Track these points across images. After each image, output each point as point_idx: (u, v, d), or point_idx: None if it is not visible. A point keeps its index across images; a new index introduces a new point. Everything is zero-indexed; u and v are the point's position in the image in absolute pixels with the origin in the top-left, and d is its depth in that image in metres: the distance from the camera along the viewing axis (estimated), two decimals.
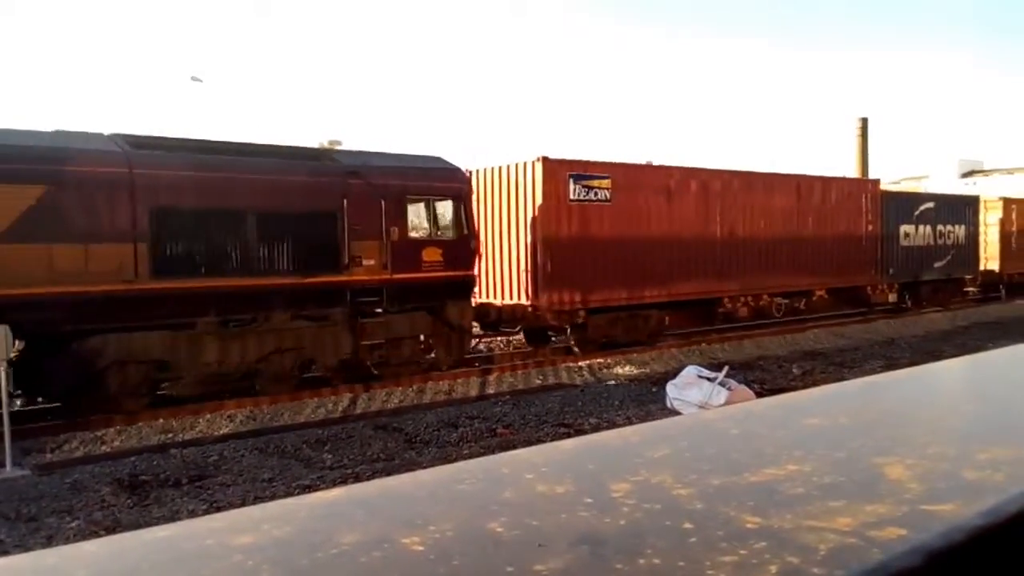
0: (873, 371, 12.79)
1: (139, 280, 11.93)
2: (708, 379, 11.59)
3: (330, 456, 9.96)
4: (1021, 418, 1.28)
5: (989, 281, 29.83)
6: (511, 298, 17.35)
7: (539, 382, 15.01)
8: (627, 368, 16.06)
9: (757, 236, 20.74)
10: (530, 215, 17.02)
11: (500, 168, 17.66)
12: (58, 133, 12.04)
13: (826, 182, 23.62)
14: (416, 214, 15.28)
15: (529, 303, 17.03)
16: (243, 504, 7.50)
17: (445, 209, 15.64)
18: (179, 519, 5.87)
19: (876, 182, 26.60)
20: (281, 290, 13.30)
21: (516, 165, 17.33)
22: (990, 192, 34.13)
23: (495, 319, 17.97)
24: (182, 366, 12.50)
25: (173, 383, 12.73)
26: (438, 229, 15.54)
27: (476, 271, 16.27)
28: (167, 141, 13.20)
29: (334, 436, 10.83)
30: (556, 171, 17.05)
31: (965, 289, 29.27)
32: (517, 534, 0.76)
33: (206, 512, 7.23)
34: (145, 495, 8.57)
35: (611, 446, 1.14)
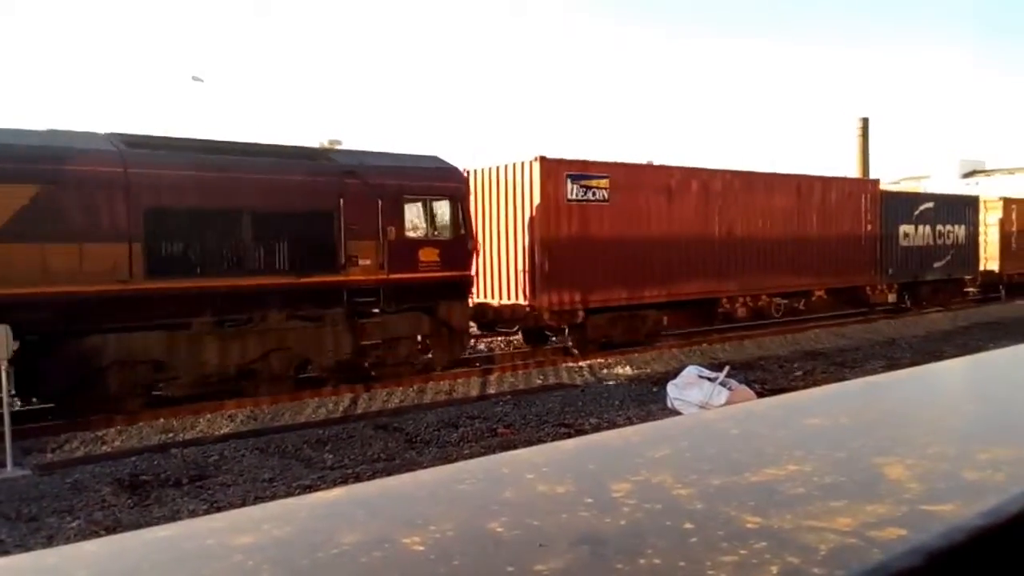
0: (874, 371, 12.79)
1: (134, 280, 11.87)
2: (709, 379, 11.58)
3: (331, 456, 9.96)
4: (1022, 418, 1.28)
5: (989, 281, 29.79)
6: (509, 298, 17.32)
7: (540, 382, 15.00)
8: (627, 368, 16.05)
9: (756, 236, 20.70)
10: (528, 215, 16.99)
11: (498, 168, 17.63)
12: (53, 132, 11.99)
13: (825, 182, 23.57)
14: (413, 214, 15.24)
15: (527, 303, 17.00)
16: (244, 504, 7.51)
17: (442, 209, 15.60)
18: (180, 519, 5.87)
19: (876, 182, 26.58)
20: (277, 290, 13.25)
21: (514, 165, 17.30)
22: (992, 192, 34.10)
23: (493, 319, 17.96)
24: (178, 366, 12.45)
25: (169, 383, 12.68)
26: (435, 229, 15.50)
27: (473, 271, 16.24)
28: (162, 140, 13.16)
29: (335, 436, 10.83)
30: (554, 171, 17.02)
31: (965, 289, 29.24)
32: (518, 534, 0.76)
33: (207, 512, 7.23)
34: (146, 495, 8.57)
35: (612, 446, 1.14)
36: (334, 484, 8.37)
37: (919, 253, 26.01)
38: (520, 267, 17.08)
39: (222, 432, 11.37)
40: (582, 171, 17.55)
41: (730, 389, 11.32)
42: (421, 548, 0.73)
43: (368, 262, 14.15)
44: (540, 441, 9.65)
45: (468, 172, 17.44)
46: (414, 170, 15.11)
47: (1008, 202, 30.63)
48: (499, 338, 19.69)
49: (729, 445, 1.10)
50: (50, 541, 7.07)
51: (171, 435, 11.25)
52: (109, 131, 12.65)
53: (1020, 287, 30.09)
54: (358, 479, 8.47)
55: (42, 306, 10.88)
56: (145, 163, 12.14)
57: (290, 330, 13.54)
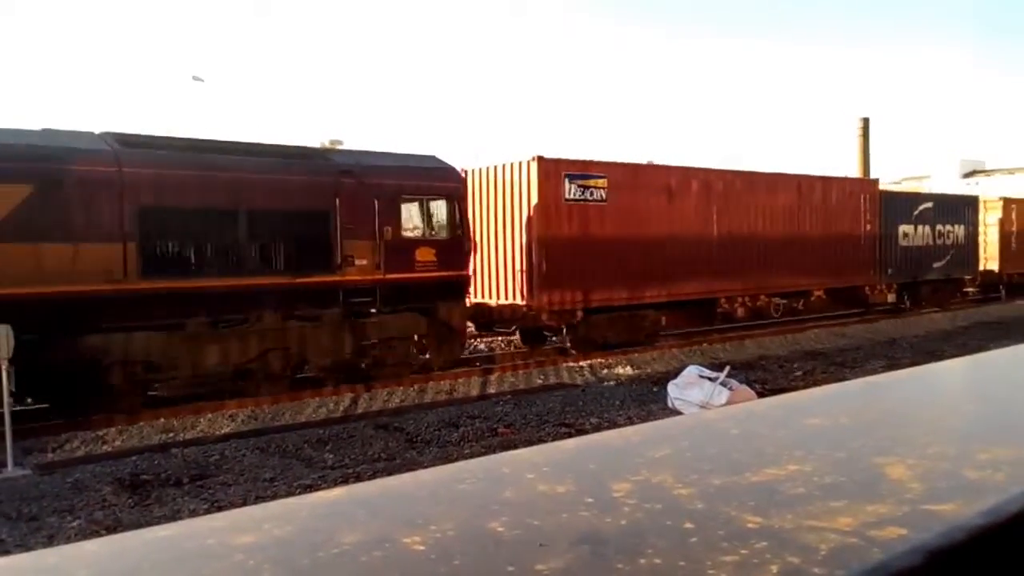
0: (874, 371, 12.79)
1: (128, 280, 11.81)
2: (709, 379, 11.58)
3: (331, 456, 9.96)
4: (1022, 418, 1.28)
5: (988, 281, 29.77)
6: (506, 298, 17.29)
7: (540, 382, 15.00)
8: (628, 368, 16.05)
9: (754, 236, 20.67)
10: (525, 215, 16.95)
11: (495, 167, 17.59)
12: (46, 132, 11.94)
13: (824, 182, 23.53)
14: (410, 214, 15.19)
15: (524, 303, 16.96)
16: (244, 504, 7.51)
17: (439, 209, 15.54)
18: (180, 518, 5.87)
19: (875, 182, 26.55)
20: (273, 290, 13.19)
21: (511, 164, 17.27)
22: (992, 192, 34.09)
23: (490, 319, 17.92)
24: (173, 367, 12.41)
25: (164, 384, 12.64)
26: (432, 229, 15.44)
27: (470, 271, 16.20)
28: (157, 140, 13.09)
29: (335, 436, 10.83)
30: (551, 171, 16.98)
31: (964, 289, 29.22)
32: (518, 534, 0.76)
33: (207, 512, 7.23)
34: (146, 494, 8.57)
35: (612, 446, 1.14)
36: (335, 484, 8.38)
37: (918, 253, 25.99)
38: (518, 267, 17.05)
39: (223, 432, 11.37)
40: (580, 171, 17.52)
41: (731, 389, 11.32)
42: (422, 548, 0.73)
43: (364, 262, 14.10)
44: (540, 441, 9.65)
45: (465, 172, 17.39)
46: (411, 170, 15.06)
47: (1008, 202, 30.60)
48: (499, 338, 19.67)
49: (730, 445, 1.10)
50: (51, 541, 7.07)
51: (172, 435, 11.25)
52: (103, 130, 12.59)
53: (1020, 287, 30.06)
54: (359, 479, 8.48)
55: (36, 306, 10.80)
56: (139, 162, 12.09)
57: (286, 330, 13.48)
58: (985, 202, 29.97)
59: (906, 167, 54.15)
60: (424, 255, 14.90)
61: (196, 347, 12.56)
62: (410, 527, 0.77)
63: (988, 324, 22.45)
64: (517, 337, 19.25)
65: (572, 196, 17.27)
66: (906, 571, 0.67)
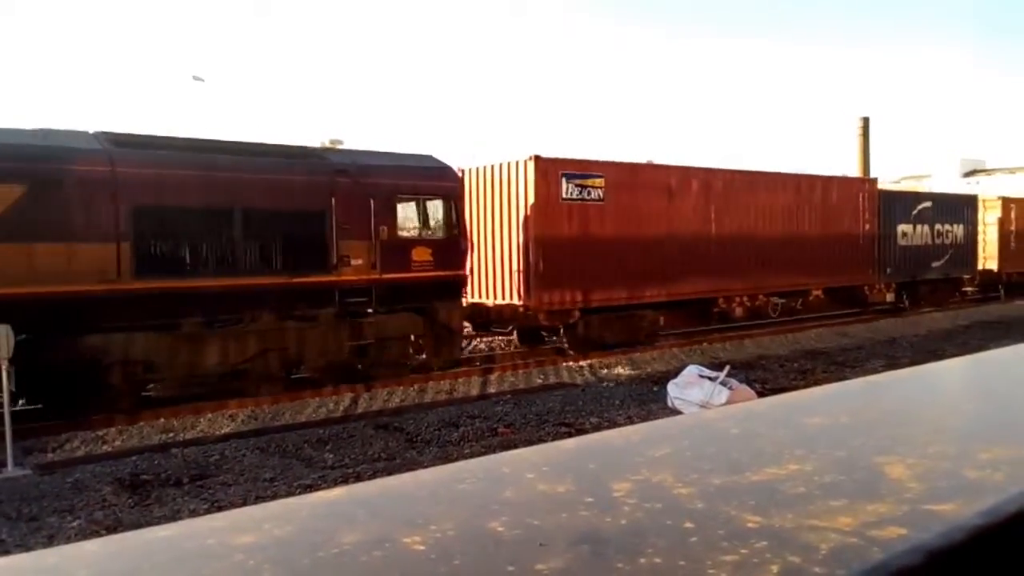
0: (874, 370, 12.79)
1: (121, 280, 11.76)
2: (709, 378, 11.58)
3: (331, 455, 9.96)
4: (1022, 418, 1.28)
5: (987, 281, 29.74)
6: (503, 298, 17.22)
7: (540, 381, 15.00)
8: (628, 367, 16.05)
9: (753, 236, 20.61)
10: (522, 214, 16.89)
11: (492, 167, 17.54)
12: (40, 131, 11.88)
13: (822, 181, 23.49)
14: (406, 213, 15.14)
15: (521, 303, 16.90)
16: (244, 503, 7.51)
17: (435, 208, 15.49)
18: (180, 518, 5.87)
19: (873, 181, 26.52)
20: (268, 290, 13.13)
21: (508, 164, 17.21)
22: (993, 191, 34.06)
23: (487, 319, 17.86)
24: (167, 367, 12.35)
25: (159, 384, 12.58)
26: (428, 228, 15.40)
27: (467, 271, 16.14)
28: (151, 139, 13.02)
29: (335, 435, 10.83)
30: (548, 170, 16.93)
31: (963, 289, 29.19)
32: (518, 533, 0.76)
33: (207, 512, 7.23)
34: (146, 494, 8.58)
35: (612, 445, 1.14)
36: (335, 484, 8.38)
37: (917, 252, 25.96)
38: (515, 267, 16.99)
39: (223, 432, 11.37)
40: (577, 170, 17.44)
41: (731, 388, 11.32)
42: (422, 548, 0.73)
43: (360, 262, 14.05)
44: (540, 440, 9.65)
45: (462, 171, 17.34)
46: (407, 169, 15.01)
47: (1007, 201, 30.54)
48: (498, 338, 19.64)
49: (730, 444, 1.10)
50: (51, 541, 7.08)
51: (172, 435, 11.25)
52: (97, 130, 12.51)
53: (1019, 286, 30.03)
54: (359, 479, 8.48)
55: (29, 306, 10.73)
56: (133, 162, 12.04)
57: (281, 330, 13.43)
58: (984, 201, 29.93)
59: (906, 166, 54.24)
60: (420, 255, 14.85)
61: (191, 347, 12.51)
62: (410, 527, 0.77)
63: (988, 323, 22.46)
64: (514, 337, 19.22)
65: (569, 196, 17.21)
66: (906, 571, 0.67)
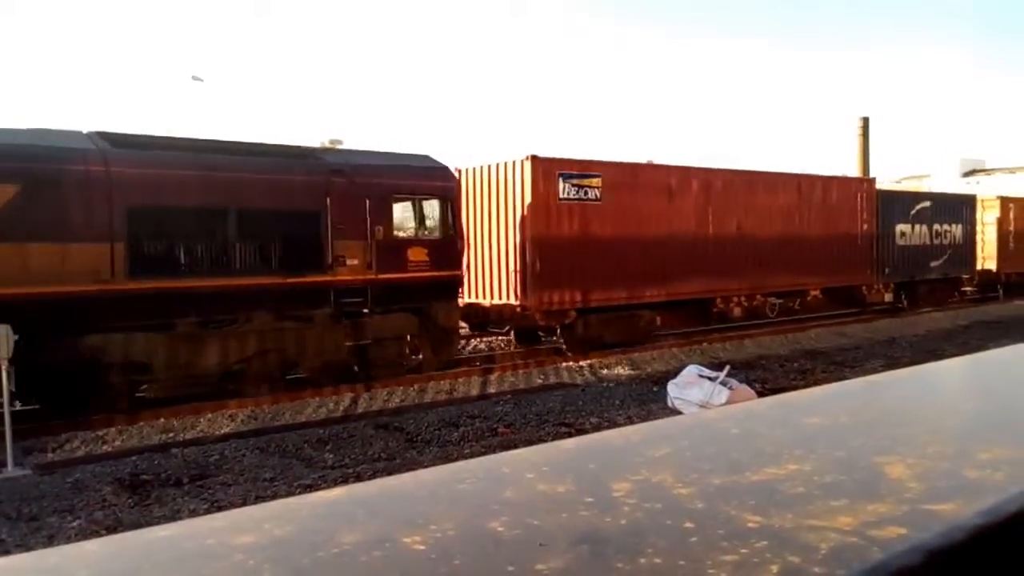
0: (874, 370, 12.79)
1: (115, 280, 11.71)
2: (709, 378, 11.58)
3: (331, 455, 9.96)
4: (1021, 417, 1.28)
5: (986, 281, 29.70)
6: (500, 298, 17.17)
7: (540, 381, 14.99)
8: (628, 368, 16.05)
9: (750, 235, 20.57)
10: (519, 214, 16.84)
11: (489, 167, 17.47)
12: (34, 131, 11.84)
13: (820, 181, 23.45)
14: (402, 213, 15.10)
15: (518, 303, 16.85)
16: (244, 503, 7.51)
17: (432, 208, 15.44)
18: (180, 518, 5.87)
19: (872, 181, 26.49)
20: (263, 290, 13.07)
21: (505, 164, 17.15)
22: (993, 191, 34.03)
23: (484, 319, 17.81)
24: (162, 368, 12.29)
25: (153, 385, 12.52)
26: (424, 229, 15.36)
27: (463, 271, 16.09)
28: (146, 139, 12.97)
29: (335, 435, 10.83)
30: (545, 170, 16.86)
31: (962, 289, 29.16)
32: (518, 533, 0.76)
33: (207, 511, 7.23)
34: (146, 494, 8.57)
35: (612, 445, 1.14)
36: (335, 484, 8.38)
37: (916, 252, 25.93)
38: (512, 267, 16.93)
39: (223, 432, 11.37)
40: (574, 170, 17.37)
41: (730, 388, 11.32)
42: (422, 547, 0.73)
43: (356, 262, 13.99)
44: (540, 440, 9.64)
45: (459, 171, 17.29)
46: (403, 169, 14.97)
47: (1006, 201, 30.49)
48: (497, 338, 19.61)
49: (729, 444, 1.10)
50: (51, 541, 7.07)
51: (172, 435, 11.25)
52: (91, 130, 12.46)
53: (1018, 286, 29.99)
54: (359, 478, 8.48)
55: (23, 307, 10.61)
56: (128, 162, 11.99)
57: (276, 331, 13.37)
58: (983, 201, 29.90)
59: (906, 166, 54.27)
60: (416, 255, 14.80)
61: (185, 348, 12.45)
62: (410, 527, 0.77)
63: (987, 323, 22.45)
64: (511, 337, 19.16)
65: (567, 195, 17.15)
66: (906, 570, 0.67)
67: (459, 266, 15.71)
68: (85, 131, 12.39)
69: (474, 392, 14.13)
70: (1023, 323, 22.47)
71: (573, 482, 0.92)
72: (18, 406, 11.76)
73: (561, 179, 17.08)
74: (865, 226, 24.14)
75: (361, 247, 14.05)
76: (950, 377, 1.77)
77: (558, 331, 17.63)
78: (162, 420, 11.89)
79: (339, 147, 16.67)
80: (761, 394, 10.97)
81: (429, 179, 15.24)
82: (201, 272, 12.59)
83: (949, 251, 27.20)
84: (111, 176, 11.78)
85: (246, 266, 13.00)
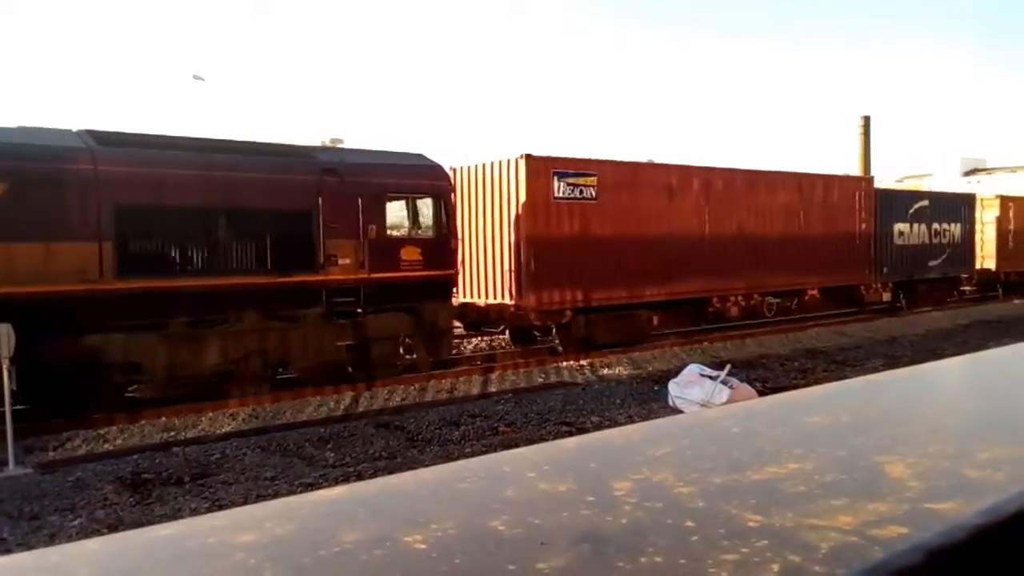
0: (874, 369, 12.79)
1: (103, 280, 11.61)
2: (710, 377, 11.58)
3: (332, 454, 9.96)
4: (1022, 417, 1.28)
5: (985, 280, 29.63)
6: (494, 298, 17.08)
7: (541, 380, 15.00)
8: (629, 367, 16.05)
9: (748, 235, 20.51)
10: (514, 213, 16.75)
11: (484, 166, 17.39)
12: (21, 129, 11.79)
13: (818, 180, 23.35)
14: (395, 212, 15.02)
15: (513, 303, 16.75)
16: (245, 502, 7.51)
17: (425, 207, 15.34)
18: (181, 517, 5.88)
19: (870, 180, 26.43)
20: (254, 290, 12.98)
21: (500, 163, 17.06)
22: (994, 190, 33.97)
23: (478, 319, 17.74)
24: (151, 368, 12.22)
25: (142, 385, 12.45)
26: (418, 228, 15.27)
27: (457, 270, 16.00)
28: (135, 137, 12.86)
29: (336, 434, 10.83)
30: (540, 169, 16.78)
31: (961, 288, 29.10)
32: (519, 532, 0.76)
33: (208, 510, 7.24)
34: (147, 493, 8.58)
35: (613, 444, 1.14)
36: (336, 482, 8.38)
37: (914, 251, 25.86)
38: (506, 266, 16.84)
39: (224, 430, 11.38)
40: (569, 169, 17.28)
41: (731, 387, 11.32)
42: (423, 546, 0.73)
43: (348, 261, 13.91)
44: (541, 439, 9.64)
45: (454, 170, 17.20)
46: (396, 168, 14.89)
47: (1005, 200, 30.39)
48: (488, 338, 19.54)
49: (730, 443, 1.10)
50: (52, 539, 7.08)
51: (173, 433, 11.25)
52: (80, 128, 12.36)
53: (1017, 286, 29.93)
54: (360, 477, 8.48)
55: (8, 307, 10.41)
56: (116, 160, 11.90)
57: (267, 331, 13.28)
58: (982, 200, 29.81)
59: (907, 166, 54.22)
60: (410, 254, 14.71)
61: (175, 348, 12.36)
62: (411, 526, 0.77)
63: (987, 323, 22.44)
64: (506, 337, 19.09)
65: (562, 194, 17.07)
66: (906, 570, 0.67)
67: (453, 265, 15.62)
68: (74, 129, 12.29)
69: (475, 391, 14.13)
70: (1023, 322, 22.45)
71: (574, 481, 0.92)
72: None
73: (556, 178, 16.98)
74: (863, 225, 24.08)
75: (354, 246, 13.97)
76: (950, 376, 1.77)
77: (554, 331, 17.55)
78: (163, 419, 11.89)
79: (330, 146, 16.56)
80: (762, 393, 10.97)
81: (423, 178, 15.15)
82: (191, 272, 12.52)
83: (948, 250, 27.15)
84: (99, 175, 11.68)
85: (237, 265, 12.91)
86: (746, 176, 21.08)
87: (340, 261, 13.85)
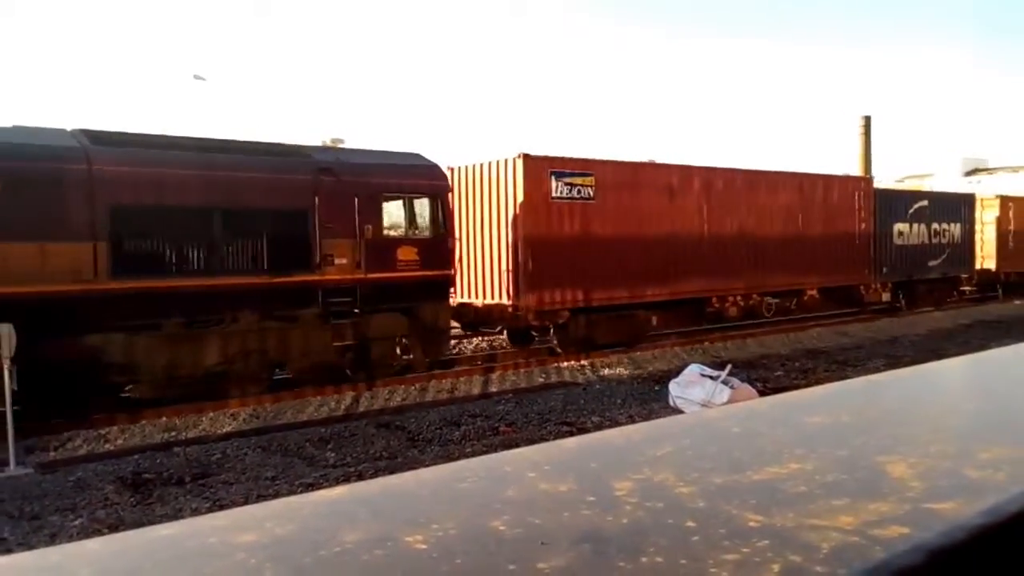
0: (875, 369, 12.78)
1: (98, 280, 11.57)
2: (711, 377, 11.58)
3: (333, 454, 9.96)
4: (1023, 417, 1.28)
5: (985, 280, 29.58)
6: (492, 298, 17.04)
7: (541, 380, 14.99)
8: (629, 367, 16.04)
9: (746, 235, 20.47)
10: (511, 213, 16.70)
11: (481, 165, 17.35)
12: (15, 129, 11.75)
13: (822, 180, 23.34)
14: (391, 212, 14.98)
15: (510, 303, 16.71)
16: (246, 502, 7.51)
17: (422, 207, 15.29)
18: (182, 517, 5.88)
19: (869, 180, 26.39)
20: (249, 290, 12.94)
21: (497, 162, 17.02)
22: (995, 190, 33.93)
23: (476, 319, 17.70)
24: (146, 369, 12.18)
25: (136, 386, 12.42)
26: (415, 228, 15.22)
27: (454, 270, 15.96)
28: (130, 137, 12.84)
29: (337, 434, 10.83)
30: (537, 168, 16.73)
31: (961, 288, 29.06)
32: (519, 532, 0.76)
33: (209, 510, 7.24)
34: (148, 493, 8.58)
35: (613, 444, 1.14)
36: (336, 482, 8.38)
37: (914, 252, 25.82)
38: (504, 266, 16.79)
39: (225, 430, 11.38)
40: (566, 168, 17.23)
41: (732, 387, 11.32)
42: (423, 546, 0.73)
43: (344, 261, 13.87)
44: (542, 439, 9.64)
45: (451, 170, 17.16)
46: (393, 167, 14.85)
47: (1005, 200, 30.33)
48: (491, 338, 19.52)
49: (731, 443, 1.10)
50: (53, 539, 7.08)
51: (174, 433, 11.26)
52: (75, 127, 12.32)
53: (1017, 286, 29.88)
54: (360, 477, 8.48)
55: (3, 307, 10.33)
56: (111, 160, 11.87)
57: (263, 331, 13.24)
58: (982, 200, 29.75)
59: (908, 166, 54.20)
60: (406, 254, 14.67)
61: (170, 349, 12.33)
62: (412, 526, 0.77)
63: (988, 323, 22.43)
64: (505, 337, 19.06)
65: (559, 194, 17.02)
66: (907, 570, 0.67)
67: (450, 265, 15.58)
68: (69, 129, 12.26)
69: (475, 391, 14.13)
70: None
71: (575, 481, 0.92)
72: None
73: (553, 178, 16.94)
74: (863, 225, 24.04)
75: (350, 246, 13.93)
76: (951, 376, 1.77)
77: (551, 331, 17.50)
78: (164, 419, 11.89)
79: (335, 146, 16.52)
80: (763, 393, 10.97)
81: (419, 177, 15.11)
82: (186, 272, 12.47)
83: (948, 250, 27.11)
84: (93, 174, 11.65)
85: (232, 265, 12.87)
86: (746, 176, 21.04)
87: (336, 261, 13.81)
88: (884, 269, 24.79)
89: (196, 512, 7.52)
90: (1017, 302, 28.29)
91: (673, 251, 18.79)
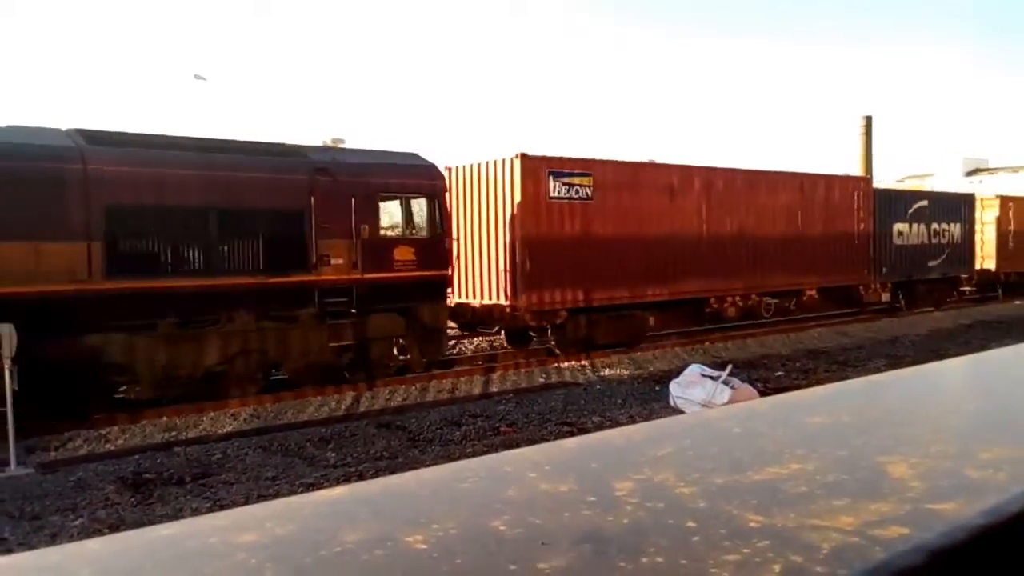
0: (876, 370, 12.78)
1: (92, 280, 11.54)
2: (711, 378, 11.58)
3: (333, 454, 9.96)
4: (1023, 417, 1.28)
5: (985, 280, 29.55)
6: (489, 298, 17.01)
7: (542, 380, 14.99)
8: (630, 367, 16.04)
9: (745, 235, 20.43)
10: (509, 213, 16.67)
11: (478, 165, 17.33)
12: (10, 128, 11.74)
13: (822, 180, 23.30)
14: (388, 212, 14.95)
15: (508, 303, 16.67)
16: (247, 502, 7.51)
17: (419, 207, 15.25)
18: (182, 517, 5.87)
19: (868, 179, 26.35)
20: (245, 290, 12.90)
21: (495, 162, 16.99)
22: (996, 190, 33.90)
23: (473, 319, 17.66)
24: (141, 369, 12.15)
25: (132, 387, 12.39)
26: (412, 228, 15.19)
27: (451, 270, 15.91)
28: (125, 136, 12.80)
29: (337, 434, 10.83)
30: (535, 168, 16.69)
31: (961, 289, 29.04)
32: (520, 532, 0.76)
33: (210, 510, 7.24)
34: (149, 493, 8.59)
35: (614, 444, 1.14)
36: (337, 482, 8.38)
37: (913, 252, 25.78)
38: (501, 267, 16.76)
39: (225, 430, 11.38)
40: (564, 168, 17.19)
41: (732, 388, 11.32)
42: (424, 546, 0.73)
43: (341, 261, 13.82)
44: (543, 439, 9.64)
45: (448, 169, 17.14)
46: (390, 167, 14.81)
47: (1005, 200, 30.29)
48: (488, 338, 19.50)
49: (731, 444, 1.10)
50: (53, 539, 7.08)
51: (174, 433, 11.26)
52: (71, 127, 12.30)
53: (1017, 286, 29.85)
54: (361, 477, 8.48)
55: None
56: (106, 159, 11.84)
57: (259, 332, 13.20)
58: (982, 200, 29.71)
59: (909, 166, 54.19)
60: (403, 254, 14.62)
61: (165, 349, 12.30)
62: (412, 526, 0.77)
63: (988, 323, 22.42)
64: (502, 337, 19.03)
65: (557, 194, 16.98)
66: (908, 570, 0.67)
67: (447, 265, 15.54)
68: (64, 128, 12.24)
69: (476, 391, 14.12)
70: None
71: (575, 481, 0.92)
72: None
73: (551, 177, 16.90)
74: (862, 225, 24.00)
75: (346, 246, 13.89)
76: (952, 377, 1.77)
77: (549, 331, 17.47)
78: (165, 419, 11.89)
79: (333, 146, 16.49)
80: (763, 393, 10.97)
81: (416, 177, 15.06)
82: (181, 272, 12.45)
83: (947, 250, 27.08)
84: (88, 174, 11.62)
85: (228, 266, 12.83)
86: (746, 176, 21.00)
87: (333, 261, 13.77)
88: (884, 269, 24.77)
89: (196, 512, 7.52)
90: (1017, 302, 28.27)
91: (672, 251, 18.73)
